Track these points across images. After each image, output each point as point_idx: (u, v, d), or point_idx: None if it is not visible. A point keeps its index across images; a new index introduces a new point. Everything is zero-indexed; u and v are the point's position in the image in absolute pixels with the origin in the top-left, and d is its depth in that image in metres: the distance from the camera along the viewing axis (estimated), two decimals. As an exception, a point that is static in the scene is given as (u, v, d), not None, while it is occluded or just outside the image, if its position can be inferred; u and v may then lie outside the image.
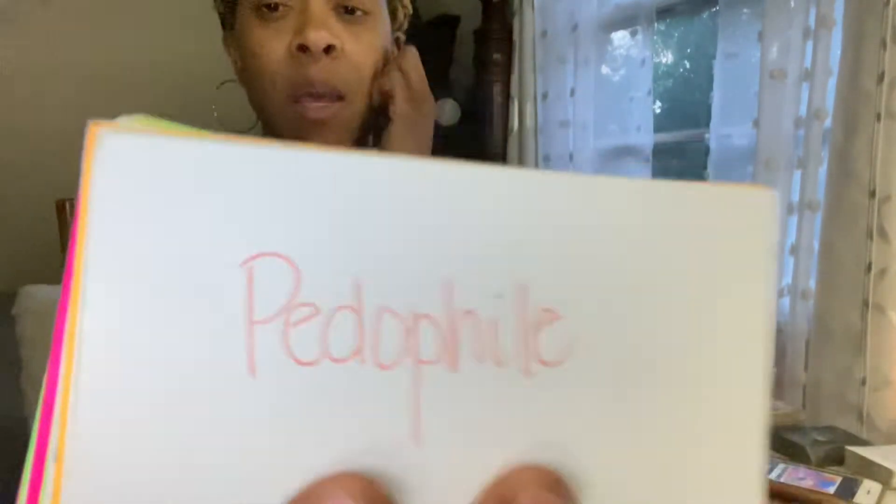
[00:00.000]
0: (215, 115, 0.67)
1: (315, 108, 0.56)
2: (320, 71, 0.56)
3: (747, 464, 0.17)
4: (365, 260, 0.15)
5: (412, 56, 0.62)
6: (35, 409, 0.14)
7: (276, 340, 0.15)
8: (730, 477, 0.17)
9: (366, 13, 0.59)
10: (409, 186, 0.16)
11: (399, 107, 0.60)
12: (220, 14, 0.64)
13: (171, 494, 0.14)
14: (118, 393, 0.14)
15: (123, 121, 0.15)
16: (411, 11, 0.67)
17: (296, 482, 0.15)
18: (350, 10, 0.58)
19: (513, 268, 0.16)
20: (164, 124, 0.16)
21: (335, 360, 0.15)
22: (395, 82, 0.60)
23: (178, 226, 0.15)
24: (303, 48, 0.55)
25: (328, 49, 0.56)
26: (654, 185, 0.17)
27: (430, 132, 0.64)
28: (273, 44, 0.57)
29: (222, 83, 0.65)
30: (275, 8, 0.56)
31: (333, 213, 0.15)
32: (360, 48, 0.58)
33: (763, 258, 0.18)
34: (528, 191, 0.16)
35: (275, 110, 0.58)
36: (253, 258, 0.15)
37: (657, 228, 0.17)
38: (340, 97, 0.57)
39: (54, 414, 0.14)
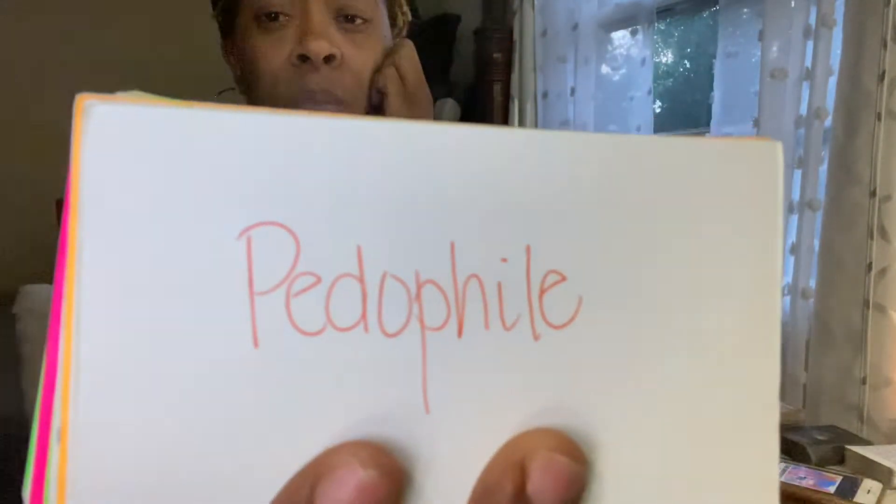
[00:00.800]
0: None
1: (316, 109, 0.56)
2: (321, 80, 0.56)
3: (763, 418, 0.17)
4: (365, 226, 0.15)
5: (407, 51, 0.61)
6: (36, 405, 0.14)
7: (278, 311, 0.14)
8: (746, 432, 0.17)
9: (366, 20, 0.58)
10: (408, 149, 0.15)
11: (393, 103, 0.60)
12: (218, 22, 0.63)
13: (179, 468, 0.14)
14: (119, 368, 0.14)
15: (119, 95, 0.15)
16: (410, 18, 0.67)
17: (304, 452, 0.15)
18: (350, 19, 0.58)
19: (517, 230, 0.16)
20: (160, 99, 0.15)
21: (339, 329, 0.15)
22: (388, 79, 0.59)
23: (173, 197, 0.14)
24: (303, 58, 0.55)
25: (328, 58, 0.56)
26: (657, 140, 0.17)
27: None
28: (273, 53, 0.56)
29: (221, 91, 0.65)
30: (275, 17, 0.56)
31: (331, 178, 0.15)
32: (361, 56, 0.58)
33: (772, 210, 0.17)
34: (530, 150, 0.16)
35: None
36: (251, 228, 0.14)
37: (661, 184, 0.17)
38: (340, 103, 0.57)
39: (56, 392, 0.14)
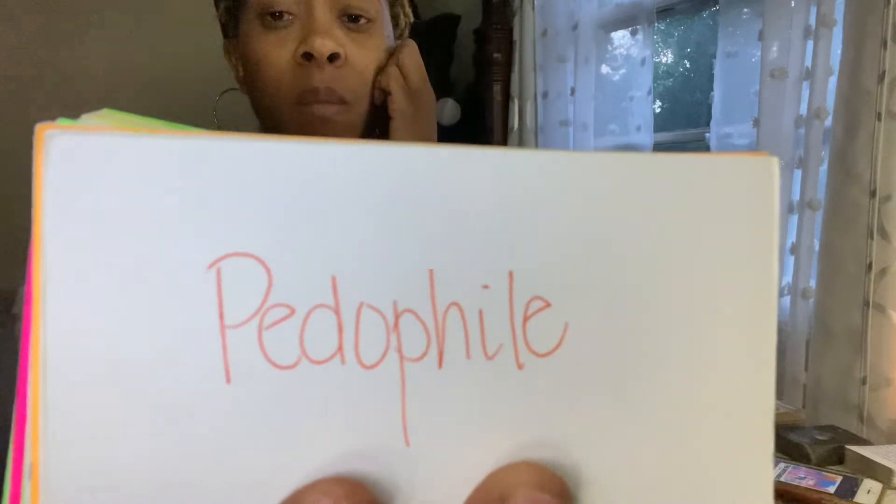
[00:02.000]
0: (216, 122, 0.67)
1: (320, 107, 0.57)
2: (325, 79, 0.56)
3: (756, 450, 0.16)
4: (340, 254, 0.14)
5: (410, 51, 0.62)
6: (9, 441, 0.14)
7: (250, 345, 0.14)
8: (738, 468, 0.16)
9: (369, 20, 0.59)
10: (383, 174, 0.15)
11: (397, 103, 0.60)
12: (221, 23, 0.63)
13: None
14: (88, 405, 0.14)
15: (87, 118, 0.15)
16: (412, 19, 0.67)
17: (279, 490, 0.14)
18: (354, 18, 0.58)
19: (499, 255, 0.15)
20: (131, 119, 0.15)
21: (314, 362, 0.14)
22: (391, 78, 0.60)
23: (138, 228, 0.14)
24: (307, 56, 0.56)
25: (332, 57, 0.56)
26: (646, 158, 0.16)
27: (433, 126, 0.64)
28: (278, 52, 0.57)
29: (224, 92, 0.65)
30: (279, 17, 0.57)
31: (303, 206, 0.14)
32: (364, 55, 0.59)
33: (767, 227, 0.16)
34: (512, 171, 0.15)
35: (280, 115, 0.58)
36: (221, 259, 0.14)
37: (650, 203, 0.16)
38: (344, 101, 0.58)
39: (26, 429, 0.13)
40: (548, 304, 0.15)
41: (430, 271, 0.15)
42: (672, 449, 0.16)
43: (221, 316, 0.14)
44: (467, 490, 0.15)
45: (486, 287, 0.15)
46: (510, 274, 0.15)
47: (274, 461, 0.14)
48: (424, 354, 0.15)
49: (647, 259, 0.16)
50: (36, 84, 1.77)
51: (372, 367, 0.15)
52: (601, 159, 0.16)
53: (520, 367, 0.15)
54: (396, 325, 0.15)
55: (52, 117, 0.14)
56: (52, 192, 0.13)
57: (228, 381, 0.14)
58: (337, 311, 0.14)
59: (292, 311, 0.14)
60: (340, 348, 0.15)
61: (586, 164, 0.16)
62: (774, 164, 0.17)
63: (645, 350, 0.16)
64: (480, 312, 0.15)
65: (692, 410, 0.16)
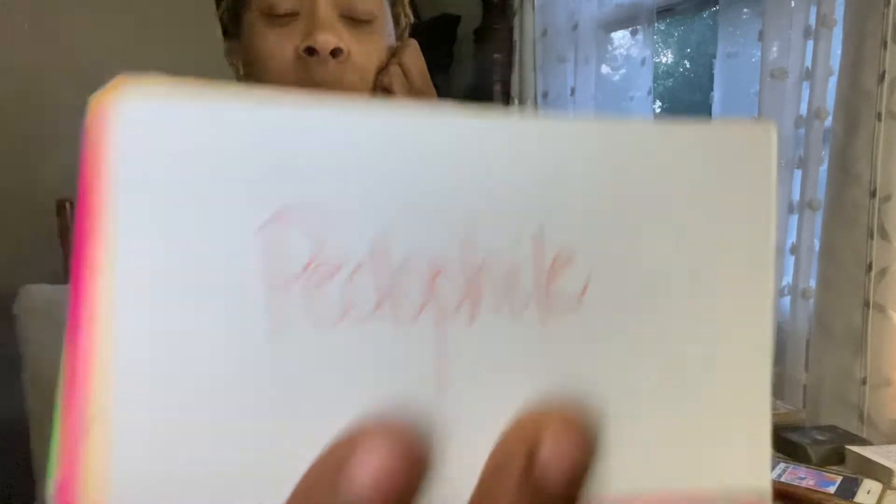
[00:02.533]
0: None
1: None
2: (327, 74, 0.56)
3: (757, 388, 0.18)
4: (382, 216, 0.15)
5: (412, 51, 0.62)
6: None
7: (296, 304, 0.15)
8: (743, 403, 0.18)
9: (370, 19, 0.59)
10: (422, 139, 0.16)
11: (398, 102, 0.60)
12: (222, 23, 0.64)
13: (201, 459, 0.14)
14: (146, 364, 0.14)
15: (146, 80, 0.15)
16: (413, 20, 0.67)
17: (324, 439, 0.15)
18: (355, 17, 0.59)
19: (529, 215, 0.16)
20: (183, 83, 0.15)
21: (355, 319, 0.15)
22: (394, 78, 0.60)
23: (195, 191, 0.14)
24: (310, 51, 0.56)
25: (335, 52, 0.56)
26: (656, 125, 0.18)
27: None
28: (281, 48, 0.57)
29: None
30: (282, 14, 0.57)
31: (350, 169, 0.15)
32: (366, 53, 0.59)
33: (766, 187, 0.18)
34: (540, 138, 0.17)
35: None
36: (269, 220, 0.15)
37: (660, 166, 0.17)
38: None
39: (83, 388, 0.14)
40: (573, 259, 0.17)
41: (464, 230, 0.16)
42: (680, 384, 0.18)
43: (269, 275, 0.15)
44: (498, 434, 0.16)
45: (515, 245, 0.16)
46: (537, 233, 0.17)
47: (318, 415, 0.15)
48: (458, 309, 0.16)
49: (655, 217, 0.17)
50: (34, 83, 1.77)
51: (410, 322, 0.16)
52: (618, 127, 0.17)
53: (548, 319, 0.17)
54: (433, 281, 0.16)
55: (52, 116, 0.14)
56: (117, 161, 0.14)
57: (274, 339, 0.15)
58: (377, 270, 0.15)
59: (335, 270, 0.15)
60: (380, 305, 0.15)
61: (606, 131, 0.17)
62: (772, 130, 0.18)
63: (656, 305, 0.17)
64: (510, 269, 0.16)
65: (697, 346, 0.18)
